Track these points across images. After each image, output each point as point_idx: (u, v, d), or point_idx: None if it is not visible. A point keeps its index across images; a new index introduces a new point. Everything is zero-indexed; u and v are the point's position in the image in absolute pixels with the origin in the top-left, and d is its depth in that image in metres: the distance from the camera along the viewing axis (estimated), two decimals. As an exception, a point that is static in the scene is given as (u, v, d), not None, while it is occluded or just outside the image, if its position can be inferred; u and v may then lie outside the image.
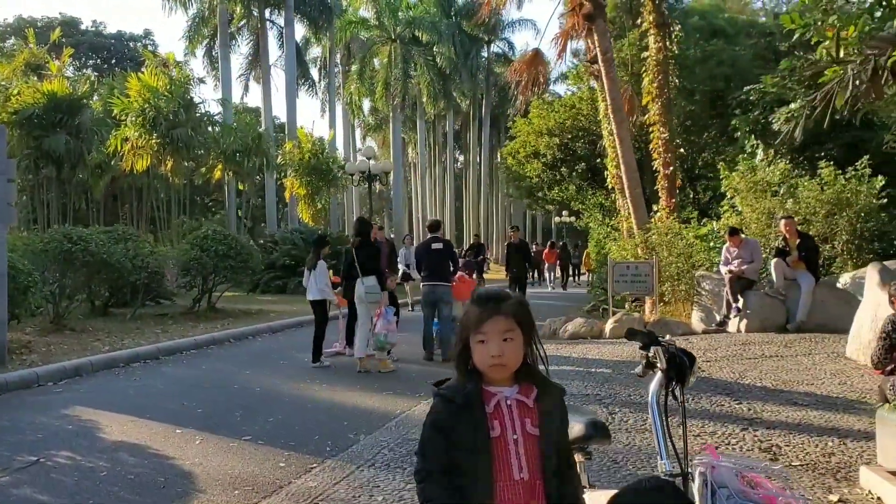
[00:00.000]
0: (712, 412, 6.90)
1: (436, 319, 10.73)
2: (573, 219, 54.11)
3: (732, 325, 11.71)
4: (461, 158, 72.19)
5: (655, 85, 16.01)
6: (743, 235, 12.22)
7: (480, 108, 58.90)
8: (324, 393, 8.73)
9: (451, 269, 10.91)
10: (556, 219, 52.95)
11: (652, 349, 2.64)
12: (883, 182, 12.83)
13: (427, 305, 10.69)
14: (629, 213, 17.26)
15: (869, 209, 12.75)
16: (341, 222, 44.68)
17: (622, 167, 15.15)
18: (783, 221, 11.80)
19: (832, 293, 11.54)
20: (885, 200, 12.90)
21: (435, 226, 11.41)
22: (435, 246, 10.76)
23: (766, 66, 23.80)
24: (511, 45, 58.04)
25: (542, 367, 2.25)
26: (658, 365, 2.60)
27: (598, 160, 21.97)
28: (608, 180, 18.13)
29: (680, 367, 2.57)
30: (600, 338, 12.40)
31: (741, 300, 11.56)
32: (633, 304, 14.66)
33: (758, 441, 5.89)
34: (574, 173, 22.57)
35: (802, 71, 17.69)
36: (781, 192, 13.91)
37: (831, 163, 13.48)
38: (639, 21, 17.64)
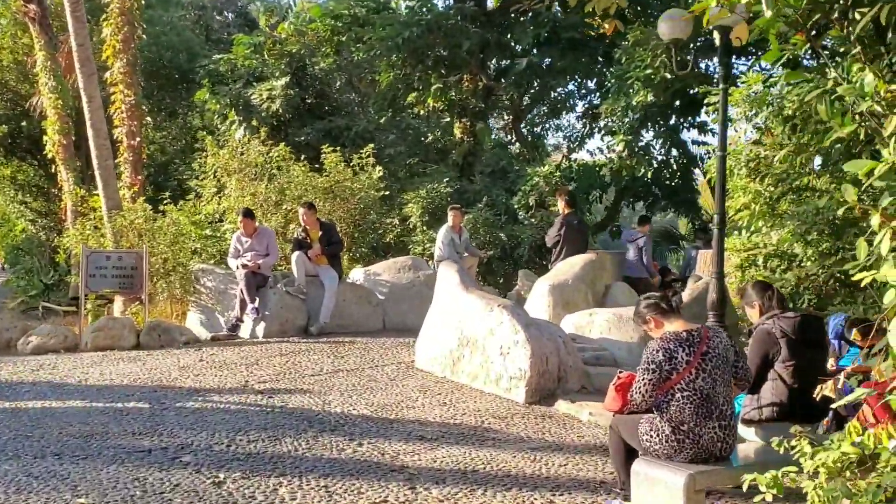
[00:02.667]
0: (342, 462, 5.15)
1: None
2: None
3: (246, 329, 9.95)
4: None
5: (120, 38, 13.22)
6: (257, 224, 10.48)
7: None
8: None
9: None
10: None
11: None
12: (381, 174, 12.39)
13: None
14: (76, 190, 14.10)
15: (369, 201, 12.18)
16: None
17: (91, 132, 11.92)
18: (302, 210, 10.42)
19: (351, 290, 10.63)
20: (387, 193, 12.53)
21: None
22: None
23: (202, 39, 22.46)
24: None
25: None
26: None
27: (24, 123, 17.81)
28: (48, 148, 14.50)
29: None
30: (77, 350, 9.42)
31: (258, 300, 9.86)
32: (97, 302, 11.73)
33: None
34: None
35: (270, 47, 16.84)
36: (260, 173, 12.56)
37: (328, 148, 12.57)
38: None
